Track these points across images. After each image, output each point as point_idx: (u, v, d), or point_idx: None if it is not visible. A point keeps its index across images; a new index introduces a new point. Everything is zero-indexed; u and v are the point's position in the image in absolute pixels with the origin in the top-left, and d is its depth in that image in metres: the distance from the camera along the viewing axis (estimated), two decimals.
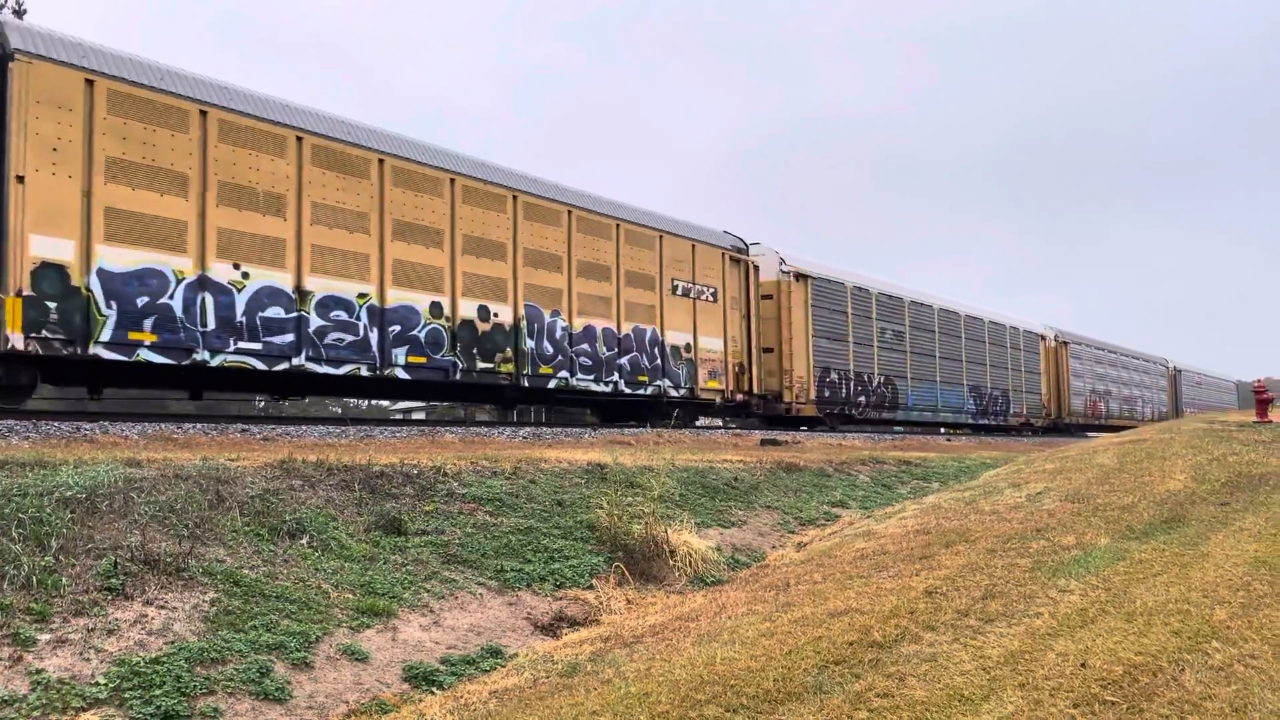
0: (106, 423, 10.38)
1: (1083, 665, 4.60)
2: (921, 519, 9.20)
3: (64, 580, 5.28)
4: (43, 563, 5.31)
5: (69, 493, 6.02)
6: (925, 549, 7.54)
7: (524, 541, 7.98)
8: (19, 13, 26.93)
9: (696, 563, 8.49)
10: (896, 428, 31.31)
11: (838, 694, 4.50)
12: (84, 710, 4.47)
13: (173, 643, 5.15)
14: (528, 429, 16.30)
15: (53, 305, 10.61)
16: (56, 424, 9.86)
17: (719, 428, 22.35)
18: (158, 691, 4.71)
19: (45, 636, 4.88)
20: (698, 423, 22.33)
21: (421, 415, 23.88)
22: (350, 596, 6.26)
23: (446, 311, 15.04)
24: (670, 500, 9.70)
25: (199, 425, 11.14)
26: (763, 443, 17.18)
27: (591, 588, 7.58)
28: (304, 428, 12.06)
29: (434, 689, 5.56)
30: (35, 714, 4.38)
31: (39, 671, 4.63)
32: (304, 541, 6.76)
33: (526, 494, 9.00)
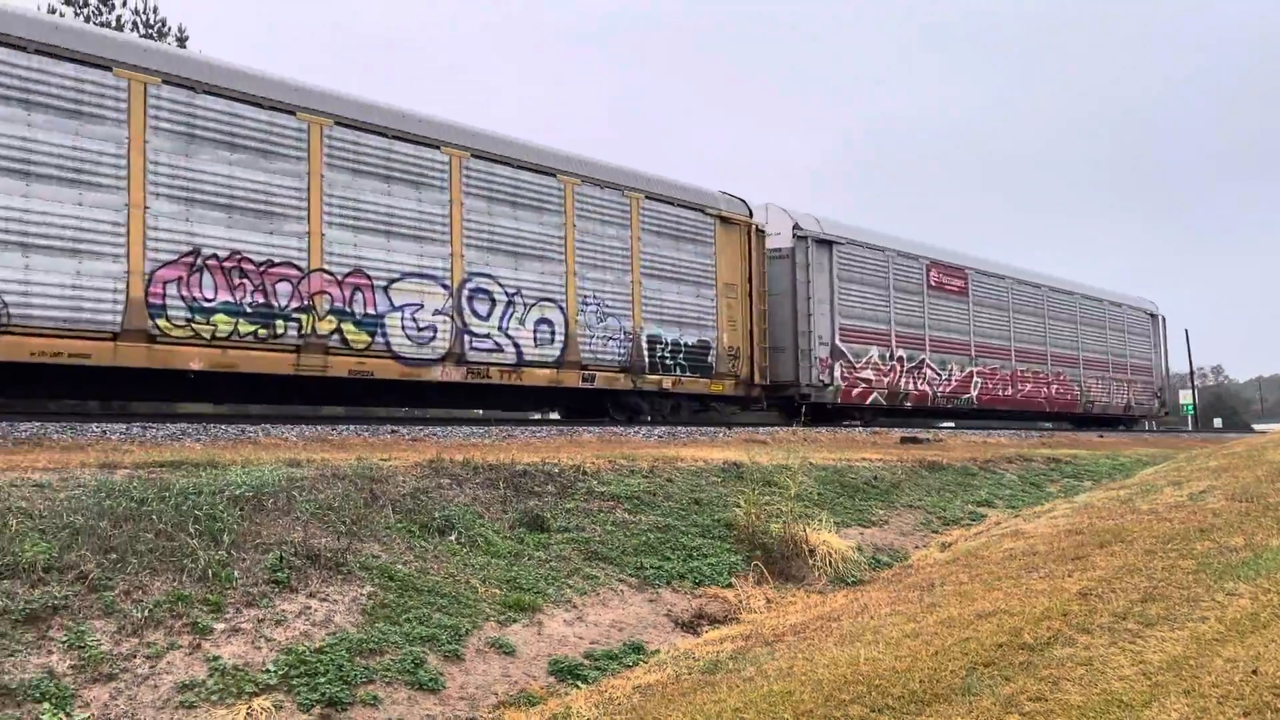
0: (268, 425, 10.98)
1: (1254, 673, 4.35)
2: (1074, 518, 8.85)
3: (235, 573, 5.62)
4: (217, 557, 5.67)
5: (238, 491, 6.40)
6: (1078, 549, 7.26)
7: (662, 539, 8.06)
8: (182, 40, 28.69)
9: (836, 562, 8.39)
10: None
11: (987, 696, 4.39)
12: (256, 695, 4.76)
13: (334, 633, 5.42)
14: (662, 428, 16.41)
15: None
16: (223, 426, 10.49)
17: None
18: (322, 679, 4.98)
19: (220, 626, 5.21)
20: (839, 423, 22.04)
21: (556, 415, 24.31)
22: (497, 591, 6.45)
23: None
24: (808, 499, 9.61)
25: (352, 427, 11.66)
26: (902, 440, 16.83)
27: (730, 586, 7.59)
28: (449, 428, 12.47)
29: (579, 683, 5.69)
30: (213, 698, 4.69)
31: (215, 658, 4.95)
32: (453, 538, 7.01)
33: (664, 492, 9.08)
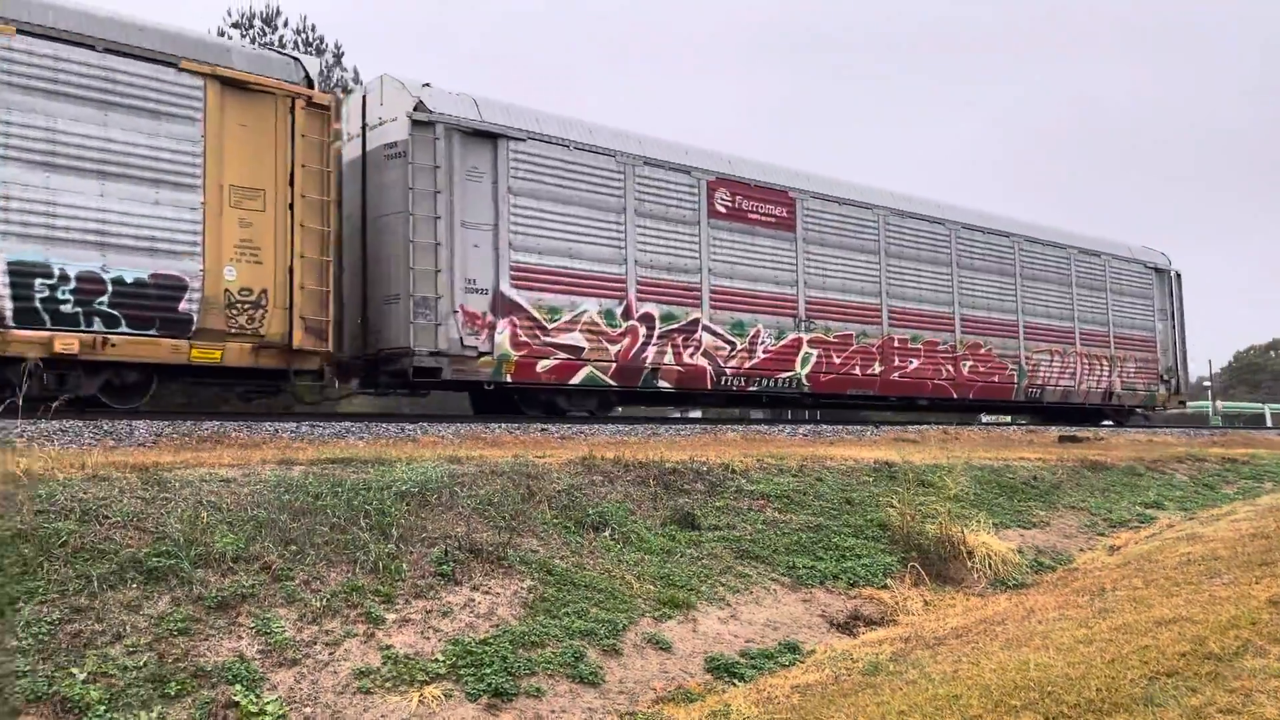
0: (425, 424, 11.38)
1: None
2: (1257, 521, 8.31)
3: (404, 566, 5.85)
4: (386, 550, 5.92)
5: (404, 487, 6.66)
6: (1265, 554, 6.81)
7: (814, 539, 7.97)
8: (339, 55, 30.10)
9: (996, 564, 8.12)
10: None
11: (1172, 708, 4.16)
12: (427, 684, 4.95)
13: (497, 626, 5.58)
14: (806, 426, 16.23)
15: None
16: (384, 425, 10.94)
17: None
18: (487, 670, 5.13)
19: (391, 616, 5.44)
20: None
21: (698, 414, 24.17)
22: (651, 588, 6.51)
23: None
24: (964, 499, 9.34)
25: (503, 425, 11.98)
26: (1061, 439, 16.17)
27: (886, 587, 7.45)
28: (595, 426, 12.67)
29: (736, 681, 5.68)
30: (387, 685, 4.89)
31: (388, 647, 5.17)
32: (607, 534, 7.11)
33: (814, 491, 8.98)
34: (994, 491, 10.24)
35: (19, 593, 4.68)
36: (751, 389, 15.95)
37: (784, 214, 16.58)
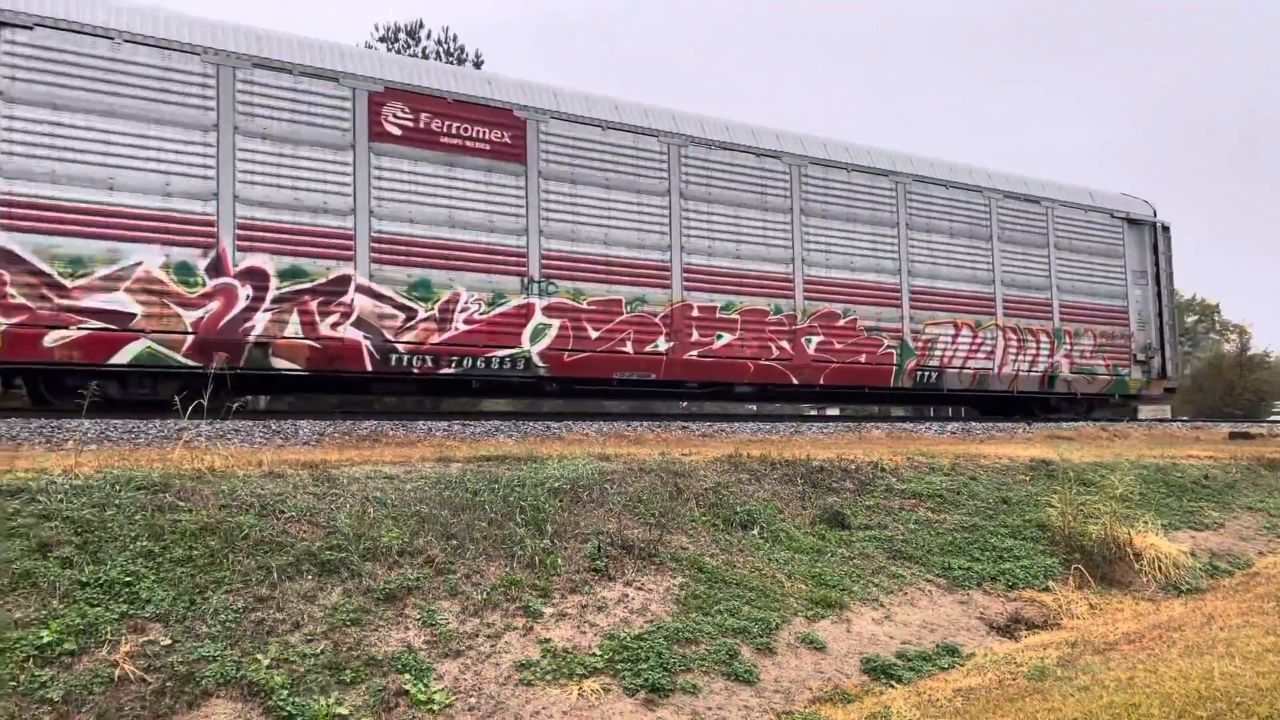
0: (570, 421, 11.57)
1: None
2: None
3: (559, 561, 5.97)
4: (541, 545, 6.04)
5: (556, 484, 6.79)
6: None
7: (969, 539, 7.74)
8: (479, 63, 30.92)
9: (1167, 568, 7.71)
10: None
11: None
12: (585, 677, 5.03)
13: (651, 621, 5.63)
14: (955, 424, 15.75)
15: None
16: (531, 423, 11.17)
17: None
18: (644, 665, 5.17)
19: (548, 610, 5.55)
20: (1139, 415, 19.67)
21: (835, 411, 23.57)
22: (803, 587, 6.45)
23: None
24: (1129, 499, 8.90)
25: (644, 423, 12.07)
26: (1231, 436, 15.24)
27: (1048, 589, 7.17)
28: (735, 425, 12.61)
29: (893, 682, 5.57)
30: (548, 678, 4.99)
31: (546, 640, 5.28)
32: (755, 532, 7.08)
33: (968, 490, 8.71)
34: (1161, 491, 9.72)
35: (207, 582, 4.98)
36: (447, 371, 11.91)
37: (508, 140, 12.42)
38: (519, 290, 12.38)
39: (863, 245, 15.22)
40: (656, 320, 13.28)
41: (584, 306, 12.81)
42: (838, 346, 14.80)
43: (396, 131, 11.75)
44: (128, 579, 4.82)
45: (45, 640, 4.31)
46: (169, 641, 4.53)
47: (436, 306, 11.82)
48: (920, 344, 15.61)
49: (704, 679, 5.23)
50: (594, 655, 5.21)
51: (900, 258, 15.54)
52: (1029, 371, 16.88)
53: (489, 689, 4.85)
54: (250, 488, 5.90)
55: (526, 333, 12.38)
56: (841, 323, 14.89)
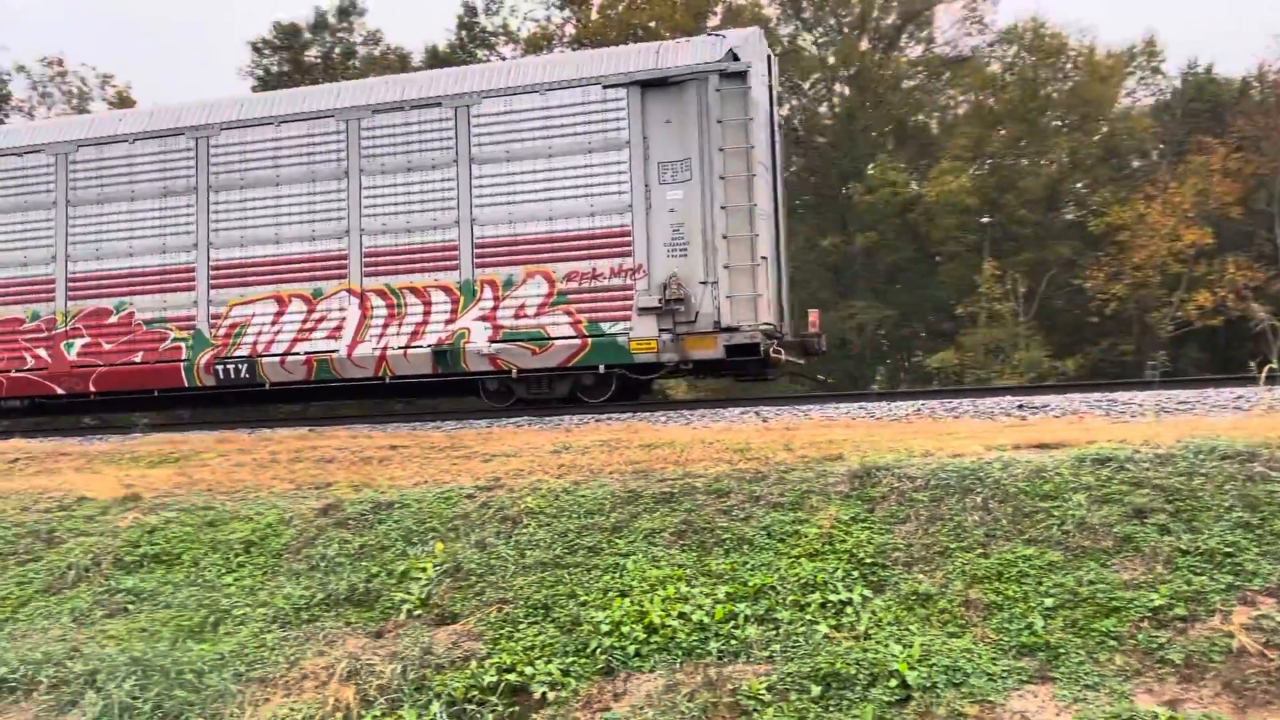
0: None
1: None
2: None
3: None
4: None
5: None
6: None
7: None
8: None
9: None
10: None
11: None
12: None
13: None
14: None
15: None
16: None
17: None
18: None
19: None
20: None
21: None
22: None
23: None
24: None
25: None
26: None
27: None
28: None
29: None
30: None
31: None
32: None
33: None
34: None
35: None
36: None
37: None
38: None
39: (151, 221, 12.48)
40: None
41: None
42: (108, 349, 12.51)
43: None
44: (1227, 549, 4.68)
45: (1155, 603, 4.43)
46: None
47: None
48: (220, 333, 12.23)
49: None
50: None
51: (201, 225, 12.33)
52: (410, 346, 11.60)
53: None
54: None
55: None
56: (115, 320, 12.53)
